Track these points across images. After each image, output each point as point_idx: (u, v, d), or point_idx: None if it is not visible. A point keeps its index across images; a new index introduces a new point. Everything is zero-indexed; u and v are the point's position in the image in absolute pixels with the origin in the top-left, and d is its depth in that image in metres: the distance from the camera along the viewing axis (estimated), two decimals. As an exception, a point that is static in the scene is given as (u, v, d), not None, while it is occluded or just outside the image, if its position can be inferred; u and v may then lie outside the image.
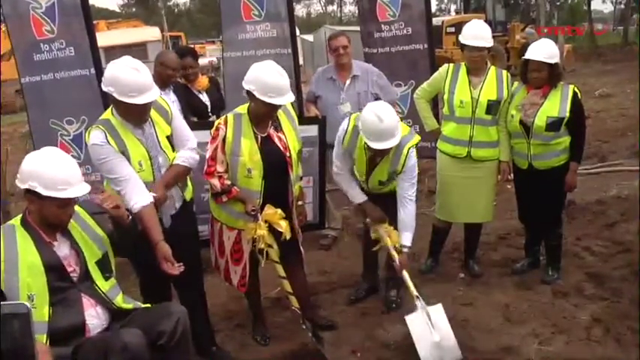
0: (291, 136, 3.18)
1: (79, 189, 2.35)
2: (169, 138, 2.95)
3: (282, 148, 3.12)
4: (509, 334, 3.35)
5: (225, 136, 3.04)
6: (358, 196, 3.55)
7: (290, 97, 3.04)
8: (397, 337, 3.37)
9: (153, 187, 2.82)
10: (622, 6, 40.04)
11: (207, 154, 3.08)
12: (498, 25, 18.91)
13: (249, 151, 3.04)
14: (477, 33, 3.76)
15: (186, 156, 2.98)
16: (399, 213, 3.37)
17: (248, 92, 3.02)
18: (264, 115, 3.08)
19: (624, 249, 4.28)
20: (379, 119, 3.12)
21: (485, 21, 18.15)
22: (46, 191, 2.27)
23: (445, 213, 4.08)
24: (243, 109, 3.15)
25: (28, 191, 2.31)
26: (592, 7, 38.29)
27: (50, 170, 2.29)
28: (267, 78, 2.97)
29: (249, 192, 3.10)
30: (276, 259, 3.17)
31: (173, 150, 2.97)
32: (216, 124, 3.13)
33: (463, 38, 3.80)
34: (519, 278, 4.01)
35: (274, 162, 3.10)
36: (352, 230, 5.09)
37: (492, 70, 3.85)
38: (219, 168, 3.07)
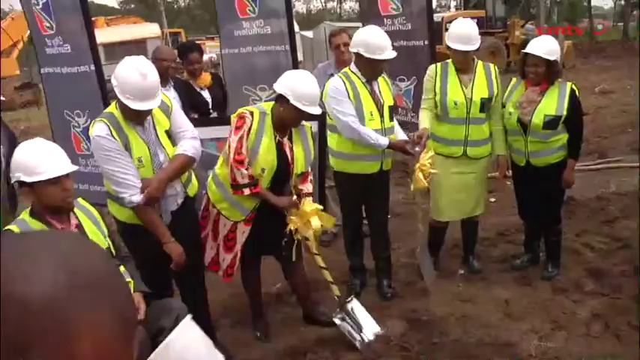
0: (299, 156, 3.21)
1: (63, 167, 2.34)
2: (169, 133, 2.94)
3: (290, 157, 3.16)
4: (509, 329, 3.35)
5: (250, 126, 3.03)
6: (383, 138, 3.55)
7: (319, 109, 3.12)
8: (396, 333, 3.38)
9: (149, 182, 2.80)
10: (622, 2, 39.96)
11: (234, 143, 3.03)
12: (498, 21, 18.86)
13: (265, 150, 3.05)
14: (463, 36, 3.69)
15: (187, 145, 2.94)
16: (395, 126, 3.74)
17: (280, 96, 3.04)
18: (290, 121, 3.11)
19: (624, 245, 4.29)
20: (378, 33, 3.51)
21: (485, 17, 18.26)
22: (29, 178, 2.28)
23: (440, 213, 4.04)
24: (267, 107, 3.15)
25: (20, 185, 2.33)
26: (592, 3, 38.22)
27: (30, 157, 2.31)
28: (305, 86, 3.02)
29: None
30: (315, 251, 3.23)
31: (173, 146, 2.96)
32: (238, 112, 3.10)
33: (449, 40, 3.72)
34: (519, 274, 4.02)
35: (281, 168, 3.14)
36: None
37: (480, 66, 3.81)
38: (246, 158, 3.04)
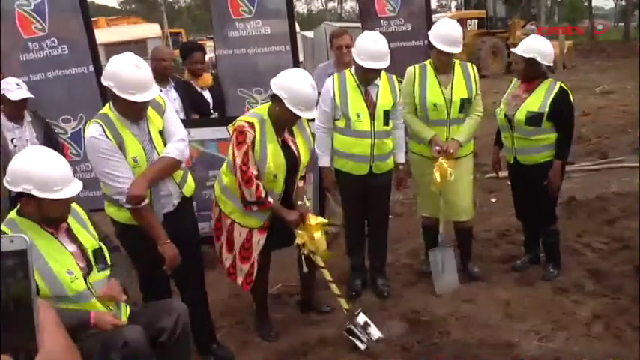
0: (303, 147, 3.23)
1: (74, 188, 2.34)
2: (162, 133, 2.91)
3: (295, 151, 3.18)
4: (510, 329, 3.35)
5: (253, 139, 3.00)
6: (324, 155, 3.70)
7: (314, 113, 3.13)
8: (397, 333, 3.38)
9: (133, 184, 2.74)
10: (623, 2, 39.94)
11: (238, 161, 3.00)
12: (499, 21, 18.87)
13: (273, 156, 3.05)
14: (453, 38, 3.63)
15: (171, 148, 2.89)
16: (397, 135, 3.76)
17: (274, 96, 3.02)
18: (286, 122, 3.11)
19: (624, 245, 4.28)
20: (374, 42, 3.51)
21: (486, 17, 18.24)
22: (41, 194, 2.25)
23: (426, 209, 4.02)
24: (263, 112, 3.12)
25: (22, 194, 2.28)
26: (593, 4, 38.21)
27: (42, 171, 2.26)
28: (301, 89, 2.99)
29: (273, 195, 3.13)
30: (321, 264, 3.23)
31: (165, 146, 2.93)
32: (236, 125, 3.06)
33: (436, 41, 3.65)
34: (520, 274, 4.01)
35: (291, 165, 3.15)
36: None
37: (458, 66, 3.78)
38: (254, 171, 3.02)
